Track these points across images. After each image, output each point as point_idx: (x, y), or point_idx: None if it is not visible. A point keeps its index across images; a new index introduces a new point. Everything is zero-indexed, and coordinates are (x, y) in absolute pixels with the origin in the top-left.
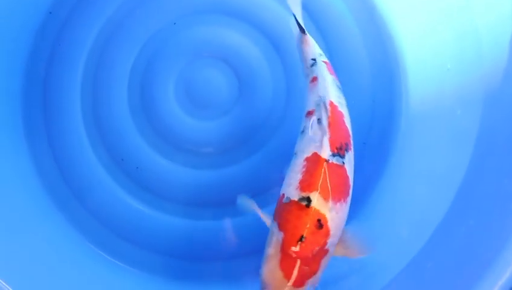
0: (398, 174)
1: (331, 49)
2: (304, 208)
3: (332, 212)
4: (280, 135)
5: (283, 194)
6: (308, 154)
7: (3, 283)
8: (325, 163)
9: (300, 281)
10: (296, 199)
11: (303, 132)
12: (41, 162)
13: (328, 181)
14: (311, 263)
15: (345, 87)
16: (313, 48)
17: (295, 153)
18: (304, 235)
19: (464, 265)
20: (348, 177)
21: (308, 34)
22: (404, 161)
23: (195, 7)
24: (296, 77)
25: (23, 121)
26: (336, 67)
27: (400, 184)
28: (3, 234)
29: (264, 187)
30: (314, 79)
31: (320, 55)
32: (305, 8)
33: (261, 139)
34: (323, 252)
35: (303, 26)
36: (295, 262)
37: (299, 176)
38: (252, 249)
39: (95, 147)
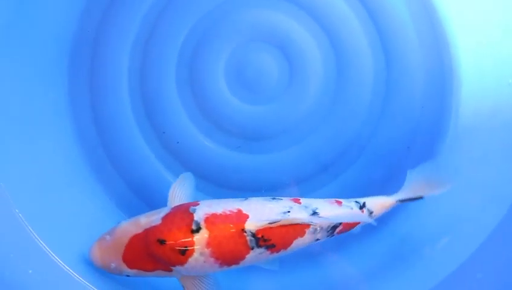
0: None
1: (387, 49)
2: (189, 227)
3: (201, 257)
4: (325, 128)
5: (198, 203)
6: (251, 212)
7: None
8: (241, 229)
9: (130, 261)
10: (195, 218)
11: (287, 212)
12: (82, 125)
13: (225, 240)
14: (151, 263)
15: (396, 89)
16: (380, 208)
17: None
18: (166, 243)
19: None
20: (241, 259)
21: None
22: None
23: None
24: (349, 72)
25: (69, 84)
26: (390, 67)
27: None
28: (39, 196)
29: (302, 177)
30: (339, 203)
31: (371, 214)
32: (367, 8)
33: (306, 130)
34: (165, 267)
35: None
36: (140, 249)
37: (225, 212)
38: None
39: (137, 116)
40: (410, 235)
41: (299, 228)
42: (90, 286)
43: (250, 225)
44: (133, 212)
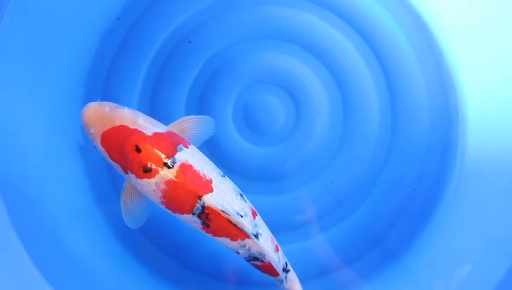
0: (447, 226)
1: (393, 91)
2: (165, 159)
3: (154, 186)
4: (333, 168)
5: (189, 146)
6: (217, 189)
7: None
8: (198, 195)
9: (106, 140)
10: (176, 156)
11: (240, 216)
12: (94, 174)
13: (181, 192)
14: (118, 154)
15: (402, 131)
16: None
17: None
18: (139, 153)
19: None
20: (179, 213)
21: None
22: (454, 213)
23: (262, 32)
24: (355, 113)
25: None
26: (396, 109)
27: (447, 237)
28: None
29: (313, 217)
30: (277, 249)
31: (285, 278)
32: (373, 49)
33: (314, 170)
34: (124, 166)
35: None
36: (120, 139)
37: (199, 172)
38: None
39: None
40: (421, 274)
41: (236, 233)
42: None
43: (207, 199)
44: (140, 251)
